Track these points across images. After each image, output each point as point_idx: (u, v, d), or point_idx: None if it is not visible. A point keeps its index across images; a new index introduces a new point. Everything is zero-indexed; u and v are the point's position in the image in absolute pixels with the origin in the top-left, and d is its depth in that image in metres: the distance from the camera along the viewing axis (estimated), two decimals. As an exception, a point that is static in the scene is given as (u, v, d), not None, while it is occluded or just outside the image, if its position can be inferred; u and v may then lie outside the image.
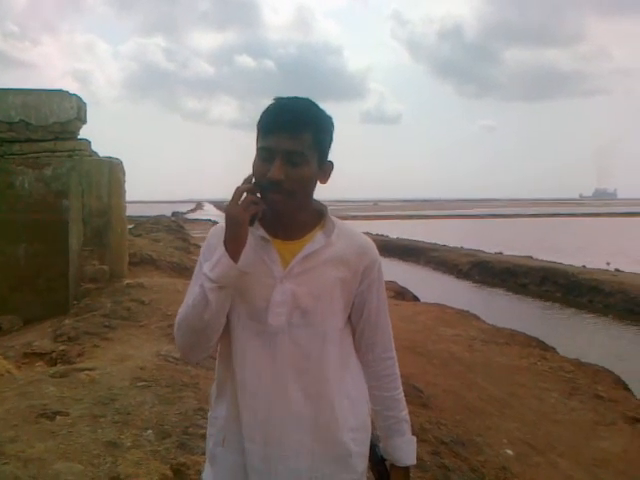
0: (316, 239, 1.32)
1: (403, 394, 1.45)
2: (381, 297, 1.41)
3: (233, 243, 1.21)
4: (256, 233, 1.30)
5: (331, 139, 1.33)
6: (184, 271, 9.92)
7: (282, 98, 1.29)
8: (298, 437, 1.30)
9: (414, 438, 1.44)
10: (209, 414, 1.42)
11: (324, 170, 1.33)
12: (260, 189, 1.25)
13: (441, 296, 12.69)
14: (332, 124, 1.33)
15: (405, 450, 1.42)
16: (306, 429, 1.30)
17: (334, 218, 1.37)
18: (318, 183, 1.33)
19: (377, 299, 1.40)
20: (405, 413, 1.44)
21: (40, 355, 4.85)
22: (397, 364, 1.45)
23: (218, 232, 1.30)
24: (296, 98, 1.30)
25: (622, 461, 4.47)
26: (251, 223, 1.23)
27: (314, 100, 1.32)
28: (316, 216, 1.37)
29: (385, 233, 29.38)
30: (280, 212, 1.28)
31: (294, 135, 1.23)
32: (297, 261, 1.30)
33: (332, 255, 1.32)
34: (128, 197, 8.69)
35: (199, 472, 2.43)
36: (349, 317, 1.40)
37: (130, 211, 9.33)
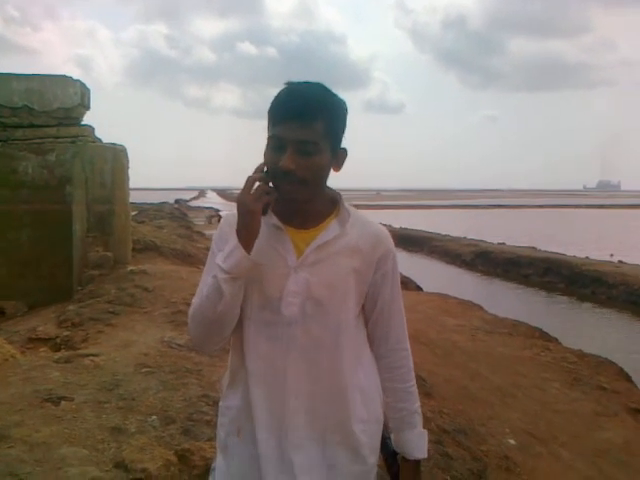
0: (330, 228, 1.30)
1: (416, 387, 1.43)
2: (395, 288, 1.38)
3: (246, 233, 1.19)
4: (269, 221, 1.28)
5: (344, 125, 1.29)
6: (187, 258, 9.92)
7: (293, 83, 1.25)
8: (311, 427, 1.29)
9: (425, 432, 1.42)
10: (220, 403, 1.41)
11: (338, 157, 1.29)
12: (272, 178, 1.22)
13: (444, 286, 12.68)
14: (345, 109, 1.29)
15: (416, 443, 1.39)
16: (318, 419, 1.30)
17: (349, 206, 1.34)
18: (332, 171, 1.30)
19: (391, 290, 1.37)
20: (417, 406, 1.41)
21: (44, 340, 4.85)
22: (411, 357, 1.42)
23: (230, 221, 1.27)
24: (308, 83, 1.25)
25: (623, 452, 4.47)
26: (264, 212, 1.21)
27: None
28: (330, 204, 1.34)
29: (388, 222, 29.36)
30: (293, 201, 1.25)
31: (306, 124, 1.20)
32: (311, 250, 1.28)
33: (346, 244, 1.29)
34: (131, 184, 8.65)
35: (203, 458, 2.43)
36: (363, 308, 1.37)
37: (133, 198, 9.30)
